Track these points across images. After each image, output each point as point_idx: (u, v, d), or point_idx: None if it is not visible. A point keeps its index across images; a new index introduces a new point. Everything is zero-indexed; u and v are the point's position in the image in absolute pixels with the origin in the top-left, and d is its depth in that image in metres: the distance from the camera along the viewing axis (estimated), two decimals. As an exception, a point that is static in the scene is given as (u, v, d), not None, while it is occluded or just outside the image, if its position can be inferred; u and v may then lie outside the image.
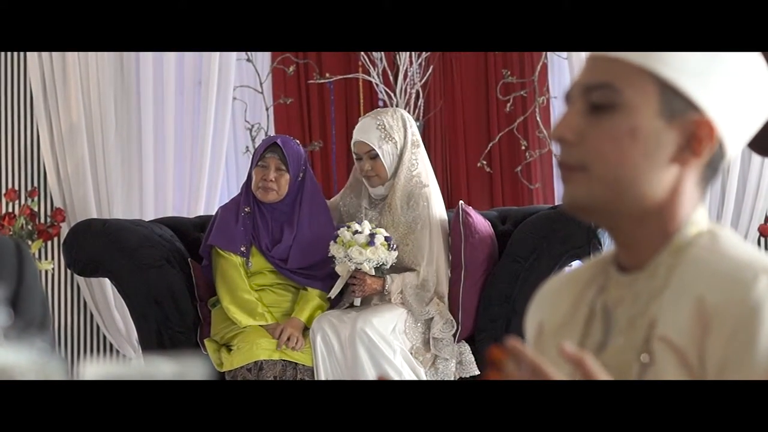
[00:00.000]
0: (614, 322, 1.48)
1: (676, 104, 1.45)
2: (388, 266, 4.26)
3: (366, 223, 4.27)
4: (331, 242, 4.26)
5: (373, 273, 4.25)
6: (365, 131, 4.37)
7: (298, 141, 4.54)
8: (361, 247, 4.19)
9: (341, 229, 4.26)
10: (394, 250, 4.25)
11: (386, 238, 4.23)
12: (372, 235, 4.21)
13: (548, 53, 5.62)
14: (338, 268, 4.27)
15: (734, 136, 1.50)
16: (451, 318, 4.27)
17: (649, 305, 1.45)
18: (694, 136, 1.46)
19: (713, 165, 1.49)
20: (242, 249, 4.34)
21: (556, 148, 1.55)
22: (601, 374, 1.31)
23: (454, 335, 4.25)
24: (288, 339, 4.18)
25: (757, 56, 1.50)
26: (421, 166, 4.40)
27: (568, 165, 1.48)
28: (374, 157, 4.35)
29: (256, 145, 5.49)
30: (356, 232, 4.22)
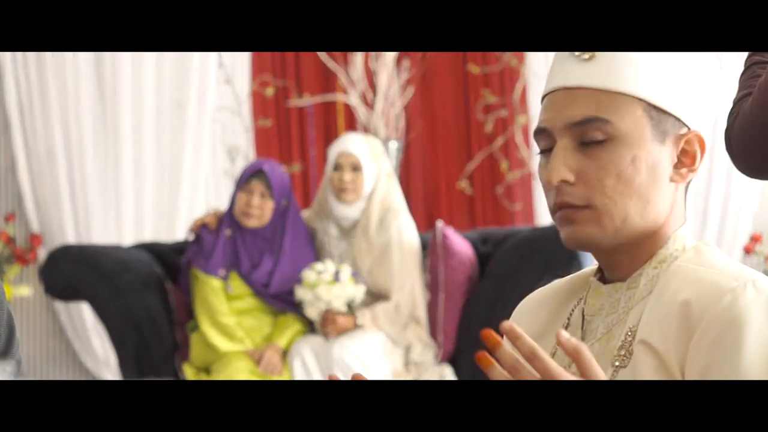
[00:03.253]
0: (591, 330, 1.49)
1: (666, 124, 1.46)
2: (357, 301, 4.23)
3: (328, 261, 4.24)
4: (296, 286, 4.24)
5: (344, 310, 4.22)
6: (355, 143, 4.37)
7: (284, 167, 4.55)
8: (329, 285, 4.16)
9: (304, 270, 4.22)
10: (361, 283, 4.23)
11: (352, 273, 4.22)
12: (337, 272, 4.19)
13: (528, 74, 5.62)
14: (308, 312, 4.23)
15: (707, 138, 1.52)
16: (430, 342, 4.25)
17: (628, 313, 1.46)
18: (687, 151, 1.48)
19: None
20: (221, 272, 4.33)
21: (549, 192, 1.50)
22: (596, 365, 1.30)
23: (435, 355, 4.24)
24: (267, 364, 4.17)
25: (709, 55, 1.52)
26: (394, 194, 4.40)
27: (573, 205, 1.45)
28: (357, 169, 4.33)
29: (235, 168, 5.47)
30: (320, 272, 4.19)
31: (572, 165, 1.45)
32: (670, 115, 1.46)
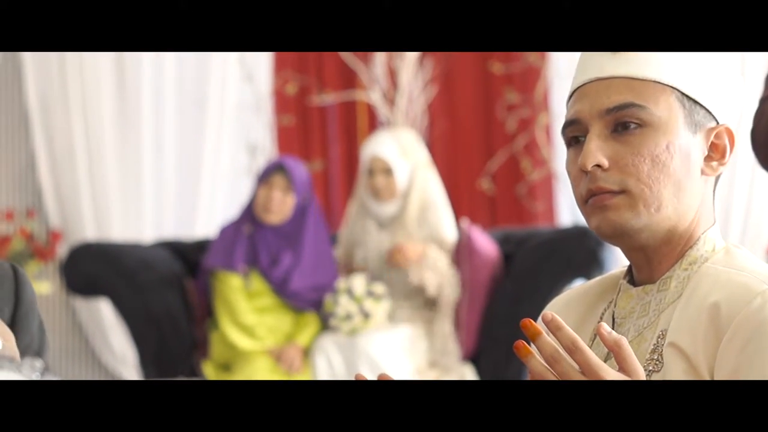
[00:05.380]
0: (622, 333, 1.48)
1: (697, 115, 1.47)
2: (389, 306, 4.27)
3: (344, 299, 4.22)
4: (330, 319, 4.28)
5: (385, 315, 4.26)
6: (383, 146, 4.37)
7: (305, 166, 4.55)
8: (364, 322, 4.18)
9: (332, 320, 4.23)
10: (381, 297, 4.24)
11: (368, 293, 4.22)
12: (361, 308, 4.20)
13: (550, 73, 5.59)
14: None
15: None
16: (452, 332, 4.28)
17: (659, 316, 1.45)
18: (717, 145, 1.48)
19: None
20: (242, 268, 4.33)
21: (581, 181, 1.49)
22: (635, 360, 1.31)
23: (458, 344, 4.26)
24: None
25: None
26: (432, 186, 4.41)
27: (608, 189, 1.44)
28: (388, 172, 4.34)
29: (256, 165, 5.46)
30: (348, 316, 4.19)
31: (606, 151, 1.44)
32: (701, 106, 1.47)
